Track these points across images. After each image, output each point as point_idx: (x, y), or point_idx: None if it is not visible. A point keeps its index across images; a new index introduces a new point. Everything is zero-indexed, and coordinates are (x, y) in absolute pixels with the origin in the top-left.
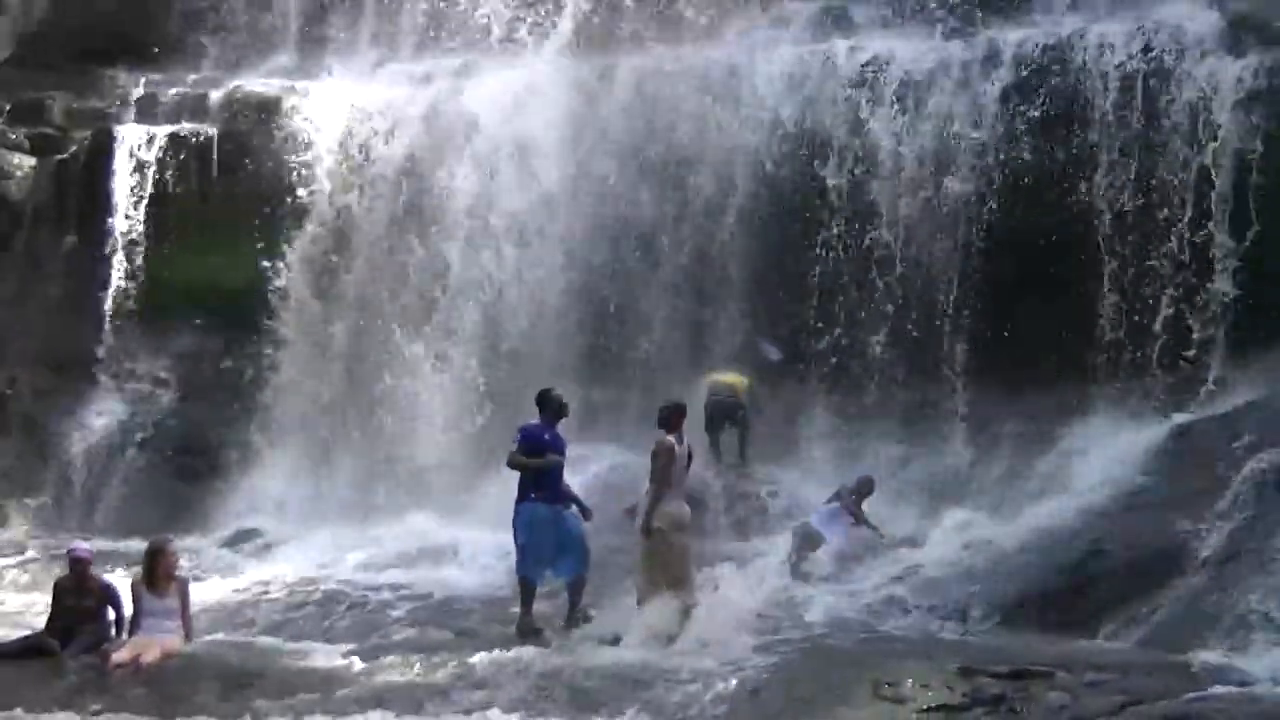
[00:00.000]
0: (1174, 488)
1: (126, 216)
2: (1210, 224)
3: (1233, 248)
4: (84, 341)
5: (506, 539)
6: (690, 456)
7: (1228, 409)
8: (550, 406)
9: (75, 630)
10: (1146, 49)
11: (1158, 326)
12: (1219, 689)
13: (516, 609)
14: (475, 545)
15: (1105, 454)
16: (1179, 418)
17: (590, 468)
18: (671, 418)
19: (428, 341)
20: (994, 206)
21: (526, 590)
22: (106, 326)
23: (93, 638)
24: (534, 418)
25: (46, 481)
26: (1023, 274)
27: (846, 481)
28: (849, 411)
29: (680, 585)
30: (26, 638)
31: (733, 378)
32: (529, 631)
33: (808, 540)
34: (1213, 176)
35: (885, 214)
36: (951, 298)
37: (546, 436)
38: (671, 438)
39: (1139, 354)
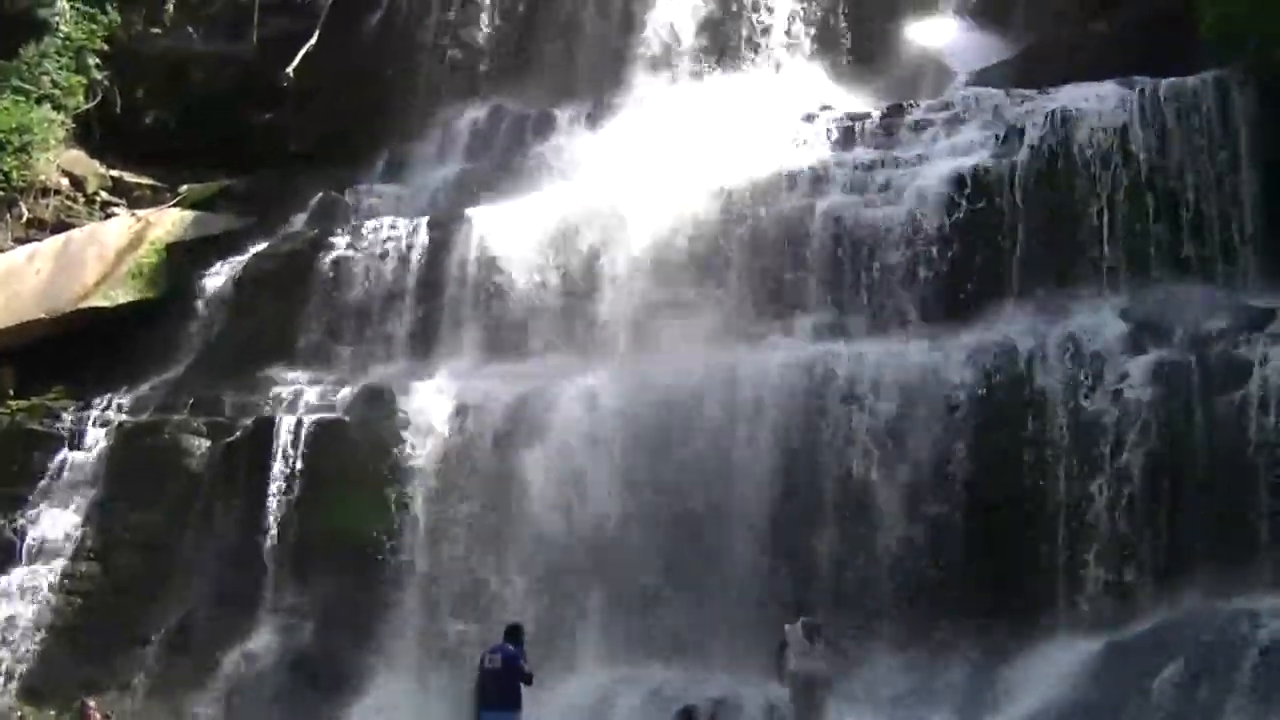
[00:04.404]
0: (1108, 694)
1: (281, 484)
2: (1127, 484)
3: (1149, 503)
4: (246, 582)
5: None
6: None
7: (1145, 630)
8: (520, 635)
9: None
10: (1072, 349)
11: (1090, 567)
12: None
13: None
14: None
15: (1053, 668)
16: (1109, 638)
17: None
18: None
19: (513, 584)
20: (967, 473)
21: None
22: (265, 570)
23: None
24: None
25: (216, 692)
26: (988, 529)
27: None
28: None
29: None
30: None
31: None
32: None
33: None
34: (1126, 446)
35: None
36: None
37: None
38: None
39: (1077, 587)
